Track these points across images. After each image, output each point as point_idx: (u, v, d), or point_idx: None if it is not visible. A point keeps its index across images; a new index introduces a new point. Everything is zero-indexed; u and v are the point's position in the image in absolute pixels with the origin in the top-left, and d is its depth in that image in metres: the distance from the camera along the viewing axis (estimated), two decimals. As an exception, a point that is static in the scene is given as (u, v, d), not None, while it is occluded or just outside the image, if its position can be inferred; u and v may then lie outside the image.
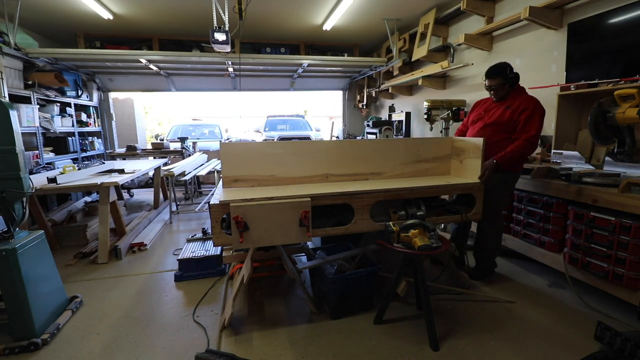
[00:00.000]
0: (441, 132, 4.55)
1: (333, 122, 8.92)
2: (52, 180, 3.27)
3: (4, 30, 4.35)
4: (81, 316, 2.44)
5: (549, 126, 3.37)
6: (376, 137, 5.80)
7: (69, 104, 5.77)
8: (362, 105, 7.89)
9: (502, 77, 2.63)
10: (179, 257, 3.02)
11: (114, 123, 7.38)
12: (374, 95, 7.34)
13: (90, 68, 6.25)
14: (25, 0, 4.19)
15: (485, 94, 2.70)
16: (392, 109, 6.90)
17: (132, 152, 6.38)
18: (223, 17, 3.98)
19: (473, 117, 2.90)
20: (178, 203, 5.76)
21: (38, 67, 5.02)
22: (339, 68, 6.86)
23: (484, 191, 2.53)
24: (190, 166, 5.38)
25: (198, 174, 5.58)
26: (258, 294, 2.70)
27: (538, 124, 2.52)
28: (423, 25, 4.98)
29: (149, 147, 6.96)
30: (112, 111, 7.35)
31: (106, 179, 3.55)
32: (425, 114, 4.46)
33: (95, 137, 6.77)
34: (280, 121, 10.39)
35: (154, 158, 6.46)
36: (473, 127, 2.86)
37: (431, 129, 4.65)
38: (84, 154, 6.07)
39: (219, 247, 3.04)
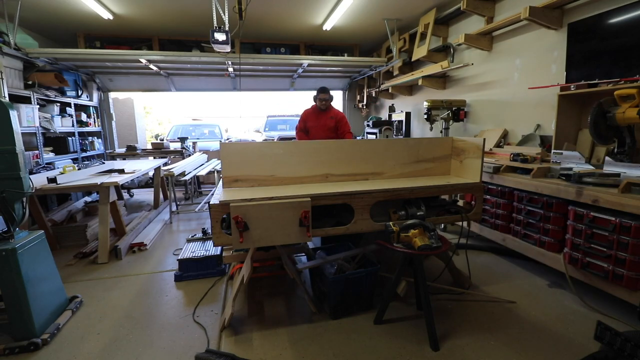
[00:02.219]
0: (441, 132, 4.55)
1: (333, 122, 8.90)
2: (52, 180, 3.27)
3: (4, 30, 4.35)
4: (81, 316, 2.44)
5: (549, 126, 3.38)
6: (376, 137, 5.81)
7: (69, 104, 5.77)
8: (362, 105, 7.89)
9: (329, 93, 4.25)
10: (179, 257, 3.02)
11: (114, 123, 7.37)
12: (374, 95, 7.34)
13: (90, 68, 6.25)
14: (25, 0, 4.19)
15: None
16: (392, 109, 6.90)
17: (132, 152, 6.38)
18: (223, 17, 3.98)
19: (312, 125, 4.35)
20: (178, 203, 5.76)
21: (38, 67, 5.02)
22: (339, 68, 6.86)
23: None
24: (190, 166, 5.38)
25: (198, 174, 5.59)
26: (258, 294, 2.70)
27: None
28: (423, 25, 4.98)
29: (149, 147, 6.96)
30: (112, 111, 7.35)
31: (106, 179, 3.55)
32: (425, 114, 4.46)
33: (95, 137, 6.77)
34: (280, 121, 10.39)
35: (154, 158, 6.46)
36: (317, 131, 4.31)
37: (431, 129, 4.65)
38: (84, 154, 6.07)
39: (219, 247, 3.04)
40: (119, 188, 5.17)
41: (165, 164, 5.42)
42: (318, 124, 4.34)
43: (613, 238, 2.14)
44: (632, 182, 2.14)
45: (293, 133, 9.61)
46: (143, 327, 2.30)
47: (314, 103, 4.44)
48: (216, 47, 4.02)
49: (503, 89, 4.01)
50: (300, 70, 6.74)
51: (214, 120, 12.29)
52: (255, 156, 2.41)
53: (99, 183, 3.37)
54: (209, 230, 3.61)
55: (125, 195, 6.45)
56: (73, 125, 5.78)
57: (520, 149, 3.43)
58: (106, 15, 4.74)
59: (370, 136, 6.07)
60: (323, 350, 2.02)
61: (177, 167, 4.84)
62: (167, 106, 18.55)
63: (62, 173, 3.51)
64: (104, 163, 5.17)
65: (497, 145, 3.90)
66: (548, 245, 2.66)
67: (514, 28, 3.77)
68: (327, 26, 5.54)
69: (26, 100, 4.67)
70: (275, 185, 2.46)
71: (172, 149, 6.80)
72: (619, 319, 2.26)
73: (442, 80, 5.20)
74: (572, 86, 2.85)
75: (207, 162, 6.56)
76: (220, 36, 3.87)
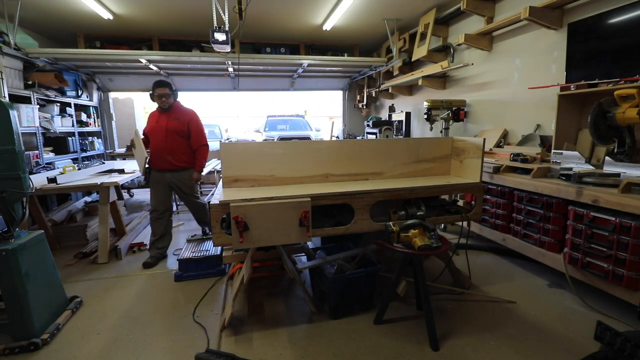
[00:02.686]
0: (441, 132, 4.55)
1: (333, 122, 8.91)
2: (52, 180, 3.27)
3: (4, 30, 4.35)
4: (81, 316, 2.44)
5: (549, 126, 3.38)
6: (376, 137, 5.81)
7: (69, 104, 5.77)
8: (362, 105, 7.89)
9: (169, 87, 3.27)
10: (179, 257, 3.02)
11: (114, 123, 7.38)
12: (374, 95, 7.34)
13: (90, 68, 6.25)
14: (25, 0, 4.19)
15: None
16: (392, 109, 6.90)
17: (132, 152, 6.37)
18: (223, 17, 3.98)
19: (149, 129, 3.39)
20: (178, 203, 5.76)
21: (38, 67, 5.02)
22: (339, 68, 6.86)
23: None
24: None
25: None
26: (258, 294, 2.70)
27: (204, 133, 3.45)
28: (423, 25, 4.98)
29: (149, 147, 6.95)
30: (112, 111, 7.35)
31: (106, 179, 3.55)
32: (425, 114, 4.46)
33: (95, 137, 6.77)
34: (280, 121, 10.39)
35: (154, 158, 6.44)
36: (154, 136, 3.34)
37: (431, 129, 4.65)
38: (84, 154, 6.07)
39: (219, 247, 3.04)
40: (119, 188, 5.15)
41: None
42: (157, 126, 3.30)
43: (613, 238, 2.14)
44: (632, 182, 2.14)
45: (293, 133, 9.71)
46: (143, 327, 2.30)
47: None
48: (216, 47, 4.02)
49: (503, 89, 4.01)
50: (300, 70, 6.74)
51: (214, 120, 12.28)
52: (255, 156, 2.41)
53: (99, 183, 3.37)
54: (209, 230, 3.61)
55: (125, 195, 6.45)
56: (73, 125, 5.78)
57: (520, 149, 3.43)
58: (106, 15, 4.74)
59: (370, 136, 6.07)
60: (323, 350, 2.02)
61: (177, 167, 4.83)
62: (167, 106, 18.50)
63: (62, 173, 3.51)
64: (104, 163, 5.17)
65: (497, 145, 3.90)
66: (548, 245, 2.66)
67: (514, 28, 3.77)
68: (327, 26, 5.54)
69: (26, 100, 4.67)
70: (275, 185, 2.46)
71: (172, 149, 6.79)
72: (619, 319, 2.26)
73: (442, 80, 5.20)
74: (572, 86, 2.86)
75: (207, 162, 6.54)
76: (220, 36, 3.87)
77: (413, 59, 5.33)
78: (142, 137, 3.42)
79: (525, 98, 3.68)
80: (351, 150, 2.59)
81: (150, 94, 3.28)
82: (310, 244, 2.81)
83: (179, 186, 3.43)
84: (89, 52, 5.23)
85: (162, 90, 3.22)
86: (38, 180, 3.48)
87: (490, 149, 3.76)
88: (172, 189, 3.47)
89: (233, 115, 16.34)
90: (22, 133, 2.32)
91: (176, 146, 3.30)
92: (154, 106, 3.42)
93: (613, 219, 2.13)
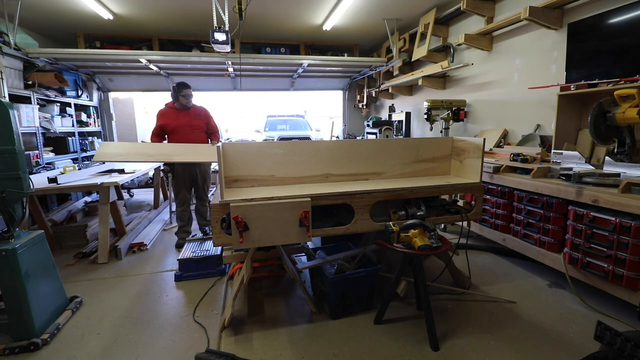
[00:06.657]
0: (441, 132, 4.55)
1: (333, 122, 8.91)
2: (53, 180, 3.27)
3: (4, 30, 4.35)
4: (81, 316, 2.44)
5: (549, 126, 3.38)
6: (376, 137, 5.80)
7: (69, 104, 5.77)
8: (362, 105, 7.89)
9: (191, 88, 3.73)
10: (179, 257, 3.02)
11: (114, 123, 7.38)
12: (374, 95, 7.34)
13: (90, 68, 6.25)
14: (25, 0, 4.19)
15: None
16: (392, 109, 6.90)
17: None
18: (223, 17, 3.98)
19: (171, 127, 3.73)
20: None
21: (38, 67, 5.02)
22: (339, 68, 6.86)
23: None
24: (190, 166, 5.36)
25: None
26: (258, 294, 2.69)
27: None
28: (423, 25, 4.98)
29: (149, 147, 6.95)
30: (112, 111, 7.35)
31: (106, 179, 3.55)
32: (425, 114, 4.46)
33: (95, 137, 6.77)
34: (280, 121, 10.40)
35: (154, 158, 6.44)
36: (180, 132, 3.73)
37: (431, 129, 4.65)
38: (84, 154, 6.07)
39: (219, 247, 3.04)
40: (119, 188, 5.15)
41: (165, 164, 5.41)
42: (181, 123, 3.73)
43: (613, 238, 2.14)
44: (632, 182, 2.14)
45: (292, 133, 9.71)
46: (143, 327, 2.30)
47: (169, 101, 3.81)
48: (216, 47, 4.02)
49: (503, 89, 4.01)
50: (300, 70, 6.74)
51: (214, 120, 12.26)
52: (255, 156, 2.41)
53: (99, 183, 3.37)
54: (209, 230, 3.61)
55: (125, 195, 6.45)
56: (73, 125, 5.78)
57: (520, 149, 3.43)
58: (106, 15, 4.74)
59: (370, 136, 6.06)
60: (323, 350, 2.02)
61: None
62: (167, 106, 18.45)
63: (62, 173, 3.51)
64: (104, 163, 5.16)
65: (497, 145, 3.90)
66: (548, 245, 2.66)
67: (514, 28, 3.77)
68: (327, 26, 5.54)
69: (26, 100, 4.67)
70: (275, 185, 2.46)
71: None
72: (619, 319, 2.26)
73: (442, 80, 5.20)
74: (572, 86, 2.86)
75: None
76: (220, 36, 3.87)
77: (413, 59, 5.33)
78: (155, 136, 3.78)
79: (525, 98, 3.68)
80: (351, 150, 2.59)
81: (174, 94, 3.73)
82: (310, 244, 2.81)
83: (200, 177, 3.81)
84: (89, 52, 5.23)
85: (189, 91, 3.71)
86: (38, 180, 3.48)
87: (490, 149, 3.76)
88: (193, 181, 3.82)
89: (236, 115, 16.29)
90: (22, 133, 2.33)
91: (200, 140, 3.82)
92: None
93: (613, 219, 2.13)
